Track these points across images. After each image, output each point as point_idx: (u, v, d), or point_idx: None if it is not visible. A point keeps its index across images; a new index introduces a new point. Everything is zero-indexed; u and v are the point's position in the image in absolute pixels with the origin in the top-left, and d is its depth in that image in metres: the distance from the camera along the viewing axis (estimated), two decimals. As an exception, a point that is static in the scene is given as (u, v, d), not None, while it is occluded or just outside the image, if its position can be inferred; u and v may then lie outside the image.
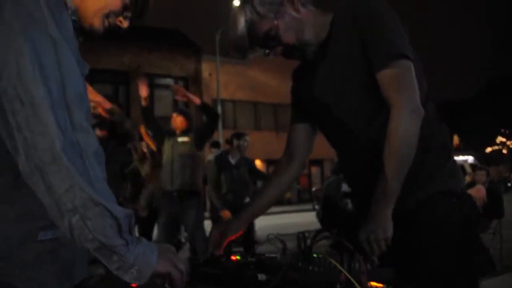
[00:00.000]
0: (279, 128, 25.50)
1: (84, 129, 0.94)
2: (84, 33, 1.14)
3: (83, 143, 0.92)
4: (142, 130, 5.64)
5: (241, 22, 1.49)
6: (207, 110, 5.01)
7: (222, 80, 20.02)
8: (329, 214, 6.24)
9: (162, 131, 5.16)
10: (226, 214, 5.46)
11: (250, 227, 6.25)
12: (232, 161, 6.12)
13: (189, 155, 4.82)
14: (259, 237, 5.97)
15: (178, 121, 4.91)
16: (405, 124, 1.39)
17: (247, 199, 6.33)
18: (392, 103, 1.42)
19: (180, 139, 4.84)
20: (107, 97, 4.25)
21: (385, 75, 1.43)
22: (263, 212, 1.88)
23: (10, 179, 0.97)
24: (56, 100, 0.90)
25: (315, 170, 26.86)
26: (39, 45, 0.90)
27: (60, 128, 0.88)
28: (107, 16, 1.15)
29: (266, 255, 1.32)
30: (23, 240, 0.99)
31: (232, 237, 1.63)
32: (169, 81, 21.67)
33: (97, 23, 1.14)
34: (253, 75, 24.44)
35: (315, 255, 1.22)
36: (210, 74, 22.21)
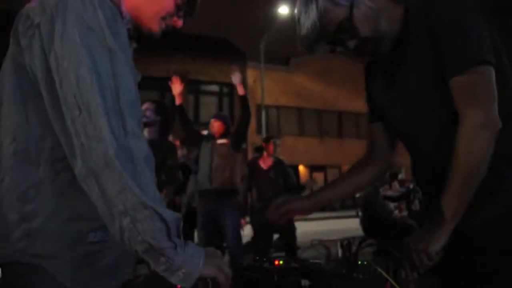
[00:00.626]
0: (323, 134, 25.31)
1: (135, 135, 0.98)
2: (142, 38, 1.21)
3: (135, 149, 0.96)
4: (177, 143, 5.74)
5: (313, 10, 1.34)
6: (245, 103, 5.06)
7: (266, 86, 20.09)
8: (369, 221, 6.14)
9: (199, 135, 5.25)
10: (243, 222, 5.45)
11: (292, 233, 6.21)
12: (264, 166, 6.13)
13: (228, 156, 4.91)
14: (302, 243, 5.93)
15: (216, 126, 5.00)
16: (471, 141, 1.26)
17: None
18: (461, 116, 1.29)
19: (219, 141, 4.93)
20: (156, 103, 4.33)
21: (456, 83, 1.29)
22: (329, 202, 1.82)
23: (65, 182, 1.02)
24: (111, 108, 0.95)
25: (359, 176, 26.40)
26: (96, 56, 0.97)
27: (113, 134, 0.93)
28: (163, 18, 1.21)
29: (310, 260, 1.31)
30: (74, 240, 1.03)
31: (294, 211, 1.60)
32: (214, 87, 21.97)
33: (155, 26, 1.21)
34: (297, 81, 24.39)
35: (359, 262, 1.20)
36: (254, 81, 22.34)
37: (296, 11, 1.40)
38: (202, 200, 4.95)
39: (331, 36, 1.38)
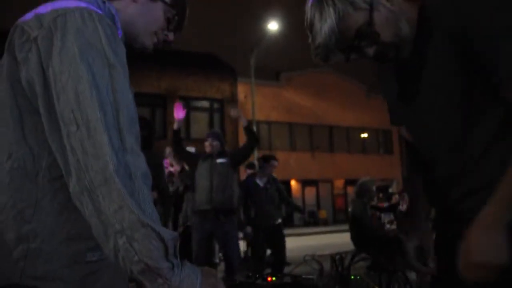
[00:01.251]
0: (314, 149, 25.38)
1: (134, 152, 0.96)
2: (134, 54, 1.22)
3: (133, 165, 0.93)
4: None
5: (330, 16, 1.21)
6: (251, 132, 5.14)
7: (257, 102, 20.17)
8: (359, 236, 6.14)
9: (193, 156, 5.29)
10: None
11: (281, 247, 6.21)
12: (261, 183, 6.15)
13: (227, 175, 4.92)
14: (295, 258, 5.91)
15: (215, 145, 5.02)
16: None
17: (279, 220, 6.32)
18: None
19: (219, 160, 4.93)
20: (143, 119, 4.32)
21: None
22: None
23: (63, 200, 1.00)
24: (111, 124, 0.93)
25: (351, 190, 26.46)
26: (96, 71, 0.95)
27: (113, 150, 0.90)
28: (156, 33, 1.23)
29: (303, 276, 1.31)
30: (73, 260, 1.01)
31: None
32: (205, 103, 22.00)
33: (148, 41, 1.23)
34: (288, 96, 24.52)
35: (352, 277, 1.20)
36: (245, 96, 22.42)
37: (308, 17, 1.27)
38: (200, 218, 4.93)
39: (349, 43, 1.26)
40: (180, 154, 5.28)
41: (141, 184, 0.92)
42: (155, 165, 4.16)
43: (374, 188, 6.58)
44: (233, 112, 5.33)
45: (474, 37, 1.15)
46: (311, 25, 1.26)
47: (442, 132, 1.28)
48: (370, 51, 1.26)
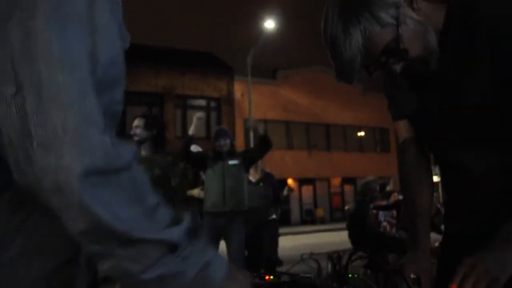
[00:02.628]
0: (311, 147, 25.40)
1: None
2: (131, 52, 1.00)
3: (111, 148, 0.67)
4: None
5: (356, 35, 1.10)
6: (267, 140, 5.13)
7: (254, 100, 20.16)
8: (357, 234, 6.15)
9: (201, 157, 5.16)
10: None
11: (272, 244, 6.23)
12: (253, 179, 6.19)
13: (240, 178, 4.93)
14: (292, 257, 5.92)
15: (226, 145, 5.00)
16: None
17: (273, 216, 6.36)
18: None
19: (231, 162, 4.91)
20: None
21: None
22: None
23: (14, 197, 0.71)
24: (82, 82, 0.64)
25: (348, 188, 26.55)
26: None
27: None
28: None
29: (300, 275, 1.31)
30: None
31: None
32: (202, 102, 21.99)
33: None
34: (285, 94, 24.53)
35: (350, 275, 1.20)
36: (242, 95, 22.41)
37: (328, 34, 1.15)
38: (211, 219, 4.91)
39: (374, 62, 1.17)
40: (187, 159, 5.03)
41: (131, 168, 0.66)
42: (169, 164, 3.99)
43: (377, 188, 6.60)
44: (251, 123, 5.39)
45: (501, 39, 1.10)
46: (333, 44, 1.14)
47: (476, 131, 1.23)
48: (397, 67, 1.17)
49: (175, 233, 0.69)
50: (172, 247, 0.68)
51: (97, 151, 0.60)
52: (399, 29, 1.11)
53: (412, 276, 1.30)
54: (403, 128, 1.47)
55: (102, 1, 0.67)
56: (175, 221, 0.70)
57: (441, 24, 1.20)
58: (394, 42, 1.12)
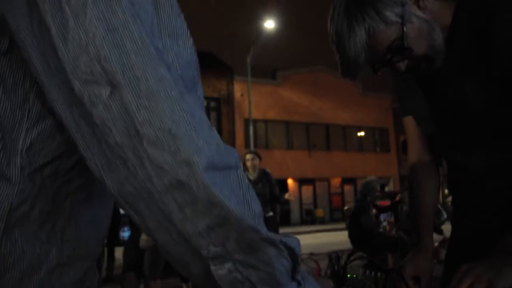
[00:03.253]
0: (311, 147, 25.41)
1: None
2: None
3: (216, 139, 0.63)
4: None
5: (360, 32, 1.11)
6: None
7: (254, 100, 20.18)
8: (357, 233, 6.15)
9: None
10: None
11: None
12: (251, 177, 6.23)
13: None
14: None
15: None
16: None
17: (270, 213, 6.42)
18: None
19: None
20: None
21: None
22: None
23: (49, 202, 0.67)
24: (177, 82, 0.61)
25: (348, 188, 26.56)
26: None
27: (192, 126, 0.60)
28: None
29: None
30: None
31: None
32: (201, 102, 22.00)
33: None
34: (284, 94, 24.54)
35: (348, 276, 1.20)
36: (242, 95, 22.42)
37: (333, 32, 1.16)
38: None
39: (379, 59, 1.17)
40: None
41: (239, 169, 0.61)
42: None
43: (378, 187, 6.62)
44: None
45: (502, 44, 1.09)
46: (338, 41, 1.14)
47: (478, 131, 1.23)
48: (402, 66, 1.18)
49: (295, 243, 0.61)
50: (294, 261, 0.61)
51: (212, 144, 0.56)
52: (404, 28, 1.11)
53: (412, 276, 1.30)
54: (411, 125, 1.47)
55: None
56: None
57: (448, 23, 1.19)
58: (399, 40, 1.12)
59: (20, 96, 0.59)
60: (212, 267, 0.58)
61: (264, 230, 0.57)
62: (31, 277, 0.64)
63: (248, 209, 0.58)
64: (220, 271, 0.58)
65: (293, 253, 0.60)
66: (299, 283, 0.61)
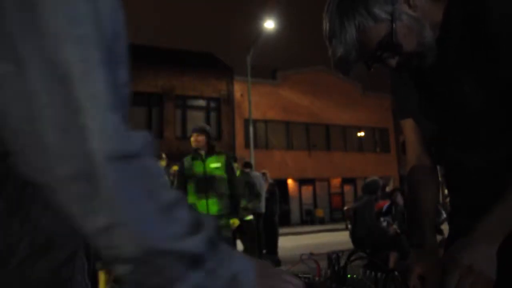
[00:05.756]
0: (311, 147, 25.40)
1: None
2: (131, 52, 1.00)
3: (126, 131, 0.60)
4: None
5: (351, 29, 1.15)
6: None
7: (254, 100, 20.17)
8: (359, 232, 6.15)
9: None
10: None
11: (273, 243, 6.24)
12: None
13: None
14: (291, 257, 5.93)
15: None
16: None
17: (250, 217, 6.48)
18: None
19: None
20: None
21: None
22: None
23: (11, 194, 0.65)
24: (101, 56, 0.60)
25: (348, 188, 26.55)
26: None
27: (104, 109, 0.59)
28: None
29: (299, 275, 1.31)
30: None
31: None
32: (201, 102, 21.99)
33: None
34: (284, 94, 24.53)
35: (349, 276, 1.20)
36: (241, 95, 22.41)
37: (326, 29, 1.21)
38: None
39: (370, 55, 1.21)
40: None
41: (142, 157, 0.58)
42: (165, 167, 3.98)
43: (380, 186, 6.64)
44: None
45: (494, 34, 1.12)
46: (331, 38, 1.20)
47: (474, 130, 1.25)
48: (393, 62, 1.22)
49: (198, 242, 0.60)
50: (195, 260, 0.59)
51: (109, 132, 0.53)
52: (394, 25, 1.15)
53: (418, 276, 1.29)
54: (409, 127, 1.48)
55: None
56: (195, 226, 0.61)
57: (440, 20, 1.23)
58: (389, 37, 1.16)
59: None
60: (111, 265, 0.57)
61: (156, 235, 0.56)
62: (3, 267, 0.63)
63: (148, 203, 0.56)
64: (119, 270, 0.57)
65: (192, 255, 0.59)
66: (210, 270, 0.61)
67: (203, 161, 4.77)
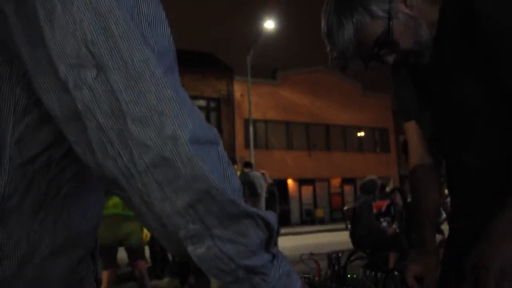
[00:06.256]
0: (311, 147, 25.41)
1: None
2: None
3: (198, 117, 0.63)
4: None
5: (348, 26, 1.18)
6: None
7: (254, 101, 20.17)
8: (359, 232, 6.15)
9: None
10: None
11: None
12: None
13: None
14: (291, 257, 5.93)
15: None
16: None
17: None
18: None
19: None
20: None
21: None
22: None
23: (39, 195, 0.68)
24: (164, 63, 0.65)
25: (348, 189, 26.56)
26: None
27: (178, 103, 0.62)
28: None
29: (299, 275, 1.31)
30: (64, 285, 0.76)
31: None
32: (201, 102, 22.00)
33: None
34: (284, 94, 24.54)
35: (349, 276, 1.20)
36: (241, 95, 22.42)
37: (324, 26, 1.24)
38: None
39: (367, 52, 1.23)
40: None
41: (219, 145, 0.62)
42: None
43: (378, 185, 6.64)
44: None
45: (487, 35, 1.13)
46: (328, 34, 1.22)
47: (473, 130, 1.25)
48: (390, 59, 1.24)
49: (271, 217, 0.62)
50: (270, 233, 0.62)
51: (195, 119, 0.57)
52: (390, 22, 1.17)
53: (416, 276, 1.29)
54: (412, 129, 1.48)
55: None
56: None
57: (437, 18, 1.25)
58: (385, 35, 1.18)
59: (6, 90, 0.61)
60: (190, 248, 0.59)
61: (242, 203, 0.59)
62: (27, 264, 0.66)
63: (229, 183, 0.59)
64: (198, 249, 0.58)
65: (269, 226, 0.61)
66: (273, 256, 0.63)
67: None
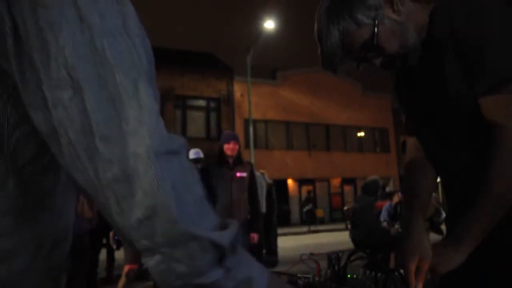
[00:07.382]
0: (311, 147, 25.40)
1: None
2: None
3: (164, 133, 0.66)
4: None
5: (335, 32, 1.24)
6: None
7: (254, 101, 20.16)
8: (360, 232, 6.14)
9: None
10: None
11: (273, 245, 6.17)
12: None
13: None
14: (291, 257, 5.93)
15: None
16: (506, 163, 1.15)
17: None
18: (499, 134, 1.16)
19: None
20: None
21: (487, 104, 1.18)
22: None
23: (31, 200, 0.72)
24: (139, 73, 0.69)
25: (348, 189, 26.56)
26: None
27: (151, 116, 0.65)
28: None
29: (299, 275, 1.31)
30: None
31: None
32: (201, 102, 21.99)
33: None
34: (284, 94, 24.53)
35: (349, 276, 1.20)
36: (241, 95, 22.42)
37: (315, 29, 1.30)
38: None
39: (355, 55, 1.29)
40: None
41: (182, 155, 0.65)
42: None
43: (380, 185, 6.64)
44: None
45: (464, 44, 1.20)
46: (318, 38, 1.29)
47: (459, 131, 1.28)
48: (377, 61, 1.30)
49: (226, 236, 0.64)
50: (221, 254, 0.63)
51: (155, 134, 0.61)
52: (376, 29, 1.24)
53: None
54: (412, 140, 1.51)
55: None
56: (222, 223, 0.66)
57: (426, 22, 1.30)
58: (371, 40, 1.25)
59: (0, 107, 0.65)
60: (143, 258, 0.63)
61: (190, 224, 0.61)
62: (36, 257, 0.72)
63: (186, 194, 0.62)
64: (150, 262, 0.62)
65: (219, 247, 0.63)
66: (227, 269, 0.64)
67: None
